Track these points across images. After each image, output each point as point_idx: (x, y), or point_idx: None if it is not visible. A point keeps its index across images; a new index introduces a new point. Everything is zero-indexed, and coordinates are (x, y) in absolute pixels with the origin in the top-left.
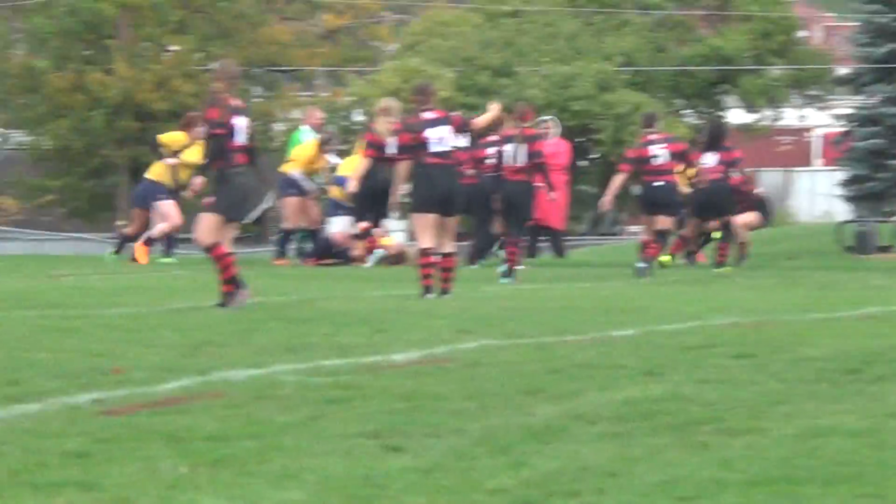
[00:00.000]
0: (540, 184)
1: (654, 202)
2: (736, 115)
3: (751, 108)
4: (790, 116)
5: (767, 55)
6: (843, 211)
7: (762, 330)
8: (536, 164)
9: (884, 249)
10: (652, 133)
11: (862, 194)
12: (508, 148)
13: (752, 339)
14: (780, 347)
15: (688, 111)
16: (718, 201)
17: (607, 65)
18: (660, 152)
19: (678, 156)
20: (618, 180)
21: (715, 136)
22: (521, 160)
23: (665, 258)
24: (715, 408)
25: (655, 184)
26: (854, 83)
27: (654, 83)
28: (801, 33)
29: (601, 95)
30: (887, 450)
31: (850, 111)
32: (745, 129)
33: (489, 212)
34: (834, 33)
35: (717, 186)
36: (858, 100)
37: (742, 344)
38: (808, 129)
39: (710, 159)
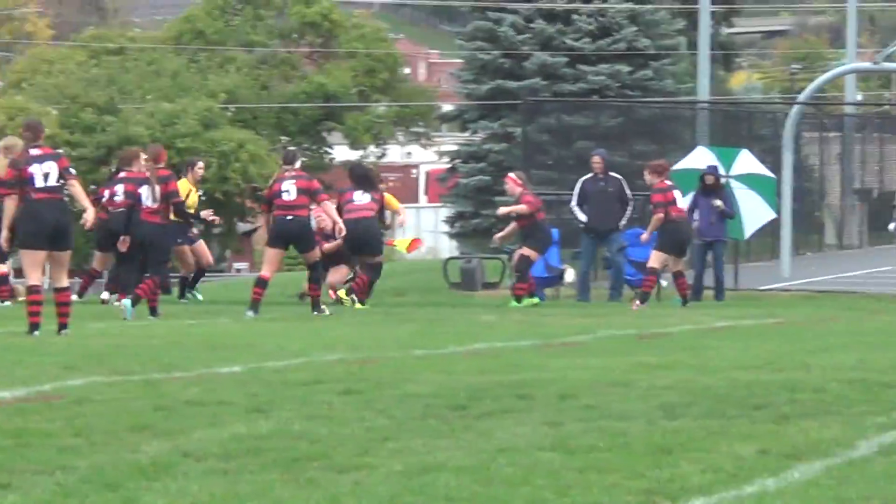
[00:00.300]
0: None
1: (286, 236)
2: (341, 152)
3: (356, 144)
4: (395, 153)
5: (372, 92)
6: (449, 247)
7: (369, 366)
8: (171, 205)
9: (490, 286)
10: (289, 170)
11: (468, 231)
12: (143, 189)
13: (359, 375)
14: (388, 384)
15: (292, 148)
16: (369, 239)
17: (212, 102)
18: (289, 188)
19: (308, 192)
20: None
21: (362, 176)
22: (155, 201)
23: (345, 297)
24: (323, 444)
25: (288, 218)
26: (459, 120)
27: (258, 120)
28: (405, 70)
29: (206, 133)
30: (495, 485)
31: (455, 148)
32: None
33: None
34: (438, 70)
35: (367, 224)
36: (463, 137)
37: (349, 380)
38: (413, 166)
39: (360, 198)
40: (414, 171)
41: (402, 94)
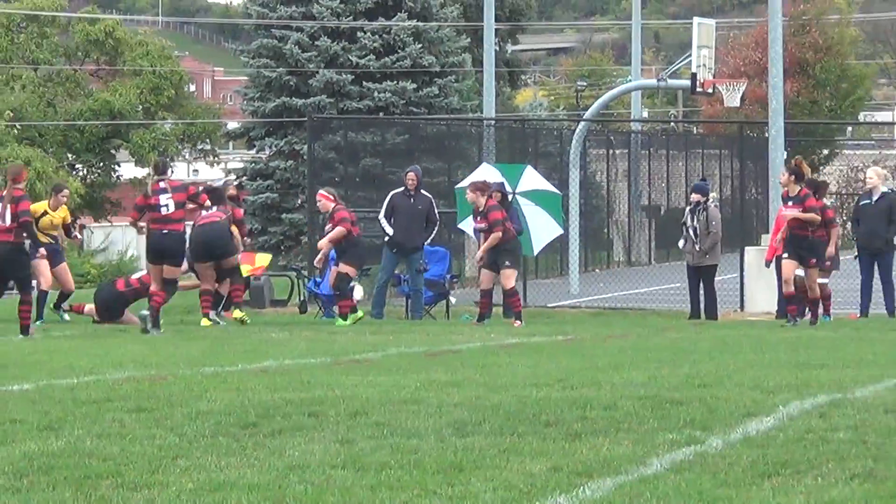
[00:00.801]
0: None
1: (161, 251)
2: (128, 169)
3: (142, 161)
4: (182, 170)
5: (158, 109)
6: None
7: (159, 384)
8: (21, 224)
9: (278, 303)
10: (162, 181)
11: (256, 248)
12: None
13: (149, 393)
14: (178, 402)
15: (79, 165)
16: (215, 239)
17: None
18: (167, 201)
19: (181, 205)
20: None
21: (211, 192)
22: (7, 220)
23: (239, 314)
24: (114, 462)
25: (164, 231)
26: (245, 137)
27: (44, 138)
28: (190, 88)
29: None
30: (287, 503)
31: (242, 165)
32: (136, 182)
33: None
34: (223, 88)
35: (215, 227)
36: (250, 154)
37: (139, 398)
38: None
39: (208, 212)
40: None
41: (188, 111)
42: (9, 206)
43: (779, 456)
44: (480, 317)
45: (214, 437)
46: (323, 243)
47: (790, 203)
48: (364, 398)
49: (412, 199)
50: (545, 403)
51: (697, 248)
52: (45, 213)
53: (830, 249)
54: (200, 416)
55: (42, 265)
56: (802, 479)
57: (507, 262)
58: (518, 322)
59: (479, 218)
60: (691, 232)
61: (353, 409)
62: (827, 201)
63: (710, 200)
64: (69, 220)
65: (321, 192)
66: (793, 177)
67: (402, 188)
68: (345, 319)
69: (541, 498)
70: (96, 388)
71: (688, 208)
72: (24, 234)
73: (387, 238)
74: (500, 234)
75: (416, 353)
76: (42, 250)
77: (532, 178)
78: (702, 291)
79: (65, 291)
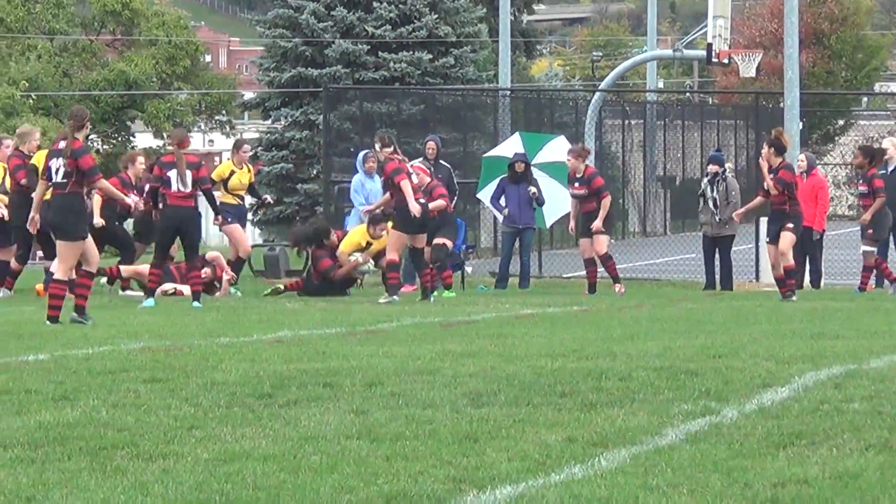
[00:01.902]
0: None
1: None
2: (143, 140)
3: (158, 132)
4: (197, 141)
5: (173, 80)
6: (252, 235)
7: (174, 354)
8: (204, 192)
9: (294, 273)
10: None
11: (271, 218)
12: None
13: (165, 363)
14: (193, 372)
15: (95, 136)
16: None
17: (13, 90)
18: (183, 178)
19: (200, 182)
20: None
21: None
22: (188, 186)
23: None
24: (129, 432)
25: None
26: (261, 108)
27: (60, 108)
28: (206, 58)
29: (8, 120)
30: (302, 473)
31: (257, 135)
32: (152, 153)
33: None
34: (239, 58)
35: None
36: (265, 125)
37: (154, 369)
38: (216, 154)
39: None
40: (217, 158)
41: (204, 81)
42: (188, 171)
43: (794, 426)
44: (591, 287)
45: (229, 407)
46: (416, 208)
47: (772, 176)
48: (379, 369)
49: (432, 169)
50: (560, 374)
51: (717, 218)
52: (233, 172)
53: (867, 217)
54: (215, 386)
55: (237, 232)
56: (817, 449)
57: (602, 228)
58: (620, 287)
59: (577, 184)
60: (710, 203)
61: (368, 380)
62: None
63: (727, 170)
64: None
65: (417, 164)
66: (772, 149)
67: (421, 158)
68: (449, 290)
69: (556, 468)
70: (111, 358)
71: (705, 179)
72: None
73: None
74: (609, 199)
75: (431, 324)
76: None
77: (553, 151)
78: (717, 263)
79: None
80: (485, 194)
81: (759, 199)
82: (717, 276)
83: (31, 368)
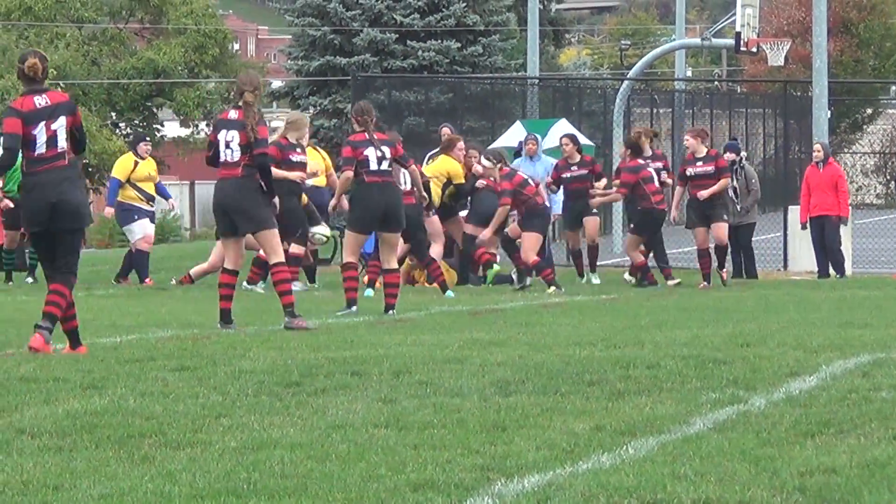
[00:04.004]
0: None
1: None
2: (171, 128)
3: (186, 120)
4: None
5: (202, 68)
6: None
7: (202, 343)
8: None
9: (322, 262)
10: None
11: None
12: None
13: (192, 352)
14: (221, 361)
15: (123, 124)
16: None
17: None
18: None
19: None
20: None
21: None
22: None
23: None
24: (157, 420)
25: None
26: (289, 96)
27: (88, 96)
28: (234, 46)
29: None
30: (330, 462)
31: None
32: (181, 141)
33: None
34: (267, 46)
35: None
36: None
37: (182, 357)
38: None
39: None
40: None
41: (232, 69)
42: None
43: (822, 415)
44: (706, 277)
45: (257, 395)
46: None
47: (699, 163)
48: (407, 357)
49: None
50: (588, 362)
51: (739, 207)
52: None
53: None
54: (243, 375)
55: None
56: (845, 438)
57: (724, 216)
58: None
59: (700, 163)
60: (731, 191)
61: (396, 368)
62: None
63: (743, 158)
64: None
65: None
66: (629, 151)
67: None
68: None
69: (584, 457)
70: (139, 346)
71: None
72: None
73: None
74: (727, 181)
75: (459, 312)
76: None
77: (558, 135)
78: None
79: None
80: None
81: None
82: (741, 266)
83: (58, 357)
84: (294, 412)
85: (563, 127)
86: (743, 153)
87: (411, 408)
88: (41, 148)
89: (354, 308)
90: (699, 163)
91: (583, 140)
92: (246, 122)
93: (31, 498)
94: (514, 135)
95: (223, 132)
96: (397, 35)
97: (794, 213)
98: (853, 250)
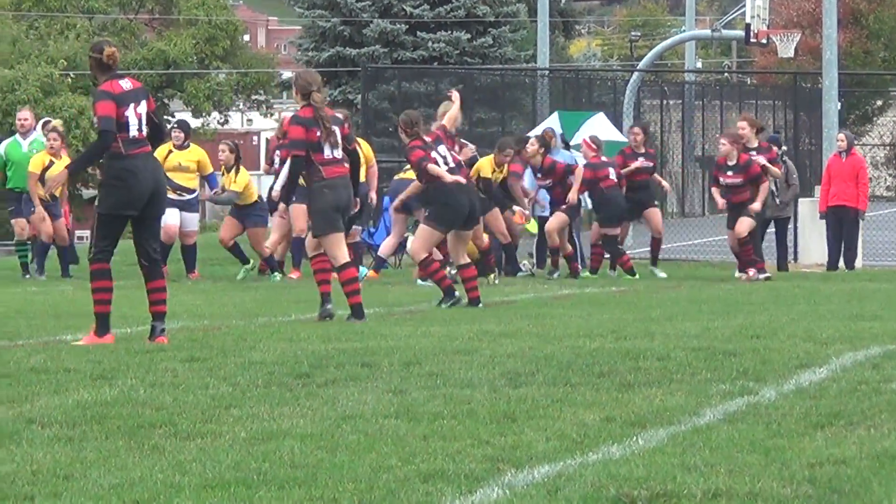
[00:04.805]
0: None
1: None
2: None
3: (197, 112)
4: (236, 120)
5: (212, 59)
6: None
7: (212, 334)
8: None
9: None
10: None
11: None
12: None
13: (203, 342)
14: (231, 352)
15: None
16: None
17: (52, 69)
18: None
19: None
20: None
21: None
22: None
23: None
24: (167, 411)
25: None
26: None
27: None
28: (244, 38)
29: (46, 99)
30: (340, 452)
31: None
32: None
33: None
34: (277, 38)
35: None
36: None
37: (192, 348)
38: (254, 133)
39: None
40: (255, 138)
41: (243, 61)
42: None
43: (832, 407)
44: (757, 268)
45: (267, 386)
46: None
47: (729, 173)
48: (417, 348)
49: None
50: (598, 354)
51: (778, 200)
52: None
53: None
54: (253, 365)
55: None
56: (855, 429)
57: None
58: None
59: (730, 172)
60: (772, 184)
61: (406, 360)
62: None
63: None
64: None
65: (585, 140)
66: (542, 148)
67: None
68: (633, 274)
69: (594, 447)
70: None
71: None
72: None
73: None
74: (768, 185)
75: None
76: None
77: (592, 129)
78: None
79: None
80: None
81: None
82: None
83: (68, 348)
84: (304, 403)
85: (599, 120)
86: (784, 147)
87: (421, 399)
88: (134, 131)
89: (457, 294)
90: (729, 172)
91: (616, 136)
92: (324, 118)
93: (41, 487)
94: (550, 124)
95: (316, 131)
96: (407, 26)
97: (805, 205)
98: (863, 242)
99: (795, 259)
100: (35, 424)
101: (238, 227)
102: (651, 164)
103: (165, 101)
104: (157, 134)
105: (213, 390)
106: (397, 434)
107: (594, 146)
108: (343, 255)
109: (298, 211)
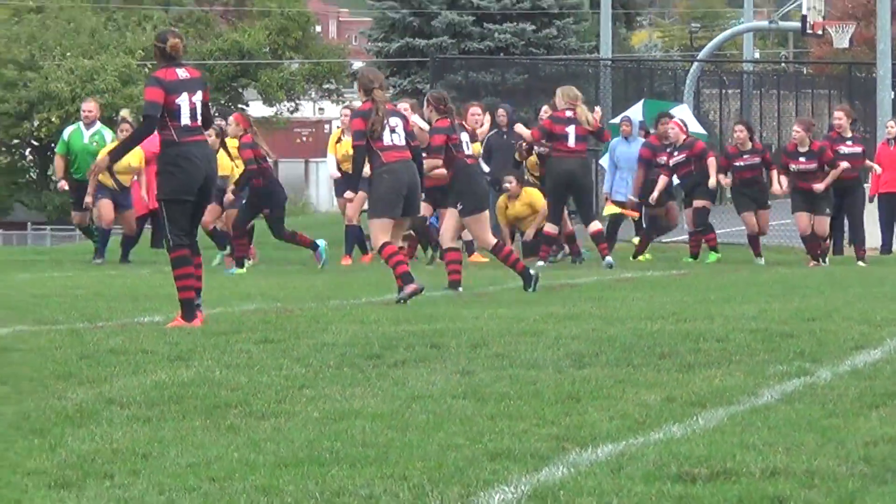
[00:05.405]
0: None
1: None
2: (256, 108)
3: (270, 101)
4: (308, 109)
5: (285, 50)
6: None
7: (285, 316)
8: None
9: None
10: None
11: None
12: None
13: (276, 325)
14: (304, 333)
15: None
16: None
17: (130, 59)
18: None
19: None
20: None
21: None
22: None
23: None
24: (242, 391)
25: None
26: None
27: None
28: (316, 29)
29: (124, 88)
30: (410, 431)
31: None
32: (264, 121)
33: None
34: (348, 29)
35: None
36: None
37: (266, 330)
38: (326, 122)
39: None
40: (326, 126)
41: (314, 51)
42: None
43: (886, 387)
44: (815, 257)
45: (339, 367)
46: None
47: (802, 159)
48: (485, 330)
49: (505, 137)
50: (660, 336)
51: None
52: None
53: None
54: (326, 347)
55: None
56: None
57: (826, 209)
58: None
59: (802, 158)
60: None
61: (473, 341)
62: None
63: None
64: None
65: (674, 120)
66: (808, 132)
67: (496, 129)
68: (717, 251)
69: (655, 427)
70: (224, 319)
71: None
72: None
73: (487, 178)
74: (841, 169)
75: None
76: None
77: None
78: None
79: None
80: (604, 161)
81: None
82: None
83: (146, 330)
84: (375, 383)
85: (682, 111)
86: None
87: (488, 379)
88: (186, 119)
89: (460, 289)
90: (802, 158)
91: (694, 127)
92: (383, 112)
93: (120, 465)
94: (634, 112)
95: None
96: (474, 18)
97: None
98: None
99: (850, 243)
100: (114, 405)
101: (218, 211)
102: (757, 160)
103: (240, 90)
104: (203, 123)
105: (286, 371)
106: (465, 414)
107: (685, 128)
108: (489, 239)
109: (357, 199)
